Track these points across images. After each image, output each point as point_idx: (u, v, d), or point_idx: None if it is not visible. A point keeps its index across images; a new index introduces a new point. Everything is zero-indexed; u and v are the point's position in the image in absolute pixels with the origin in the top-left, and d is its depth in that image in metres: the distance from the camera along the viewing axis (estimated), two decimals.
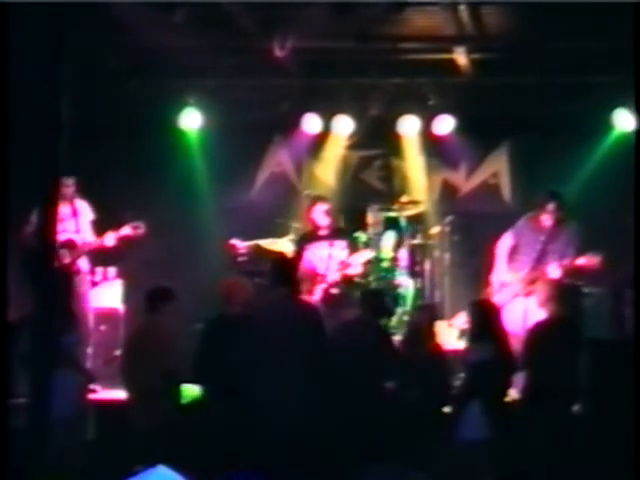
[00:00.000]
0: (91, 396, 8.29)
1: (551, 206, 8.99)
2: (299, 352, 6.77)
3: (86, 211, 9.62)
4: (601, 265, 8.68)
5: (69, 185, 9.24)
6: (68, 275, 9.18)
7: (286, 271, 7.24)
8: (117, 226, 9.44)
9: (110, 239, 9.38)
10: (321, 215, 9.54)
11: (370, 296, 8.24)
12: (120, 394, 8.12)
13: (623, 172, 8.41)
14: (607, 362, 7.76)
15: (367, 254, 9.67)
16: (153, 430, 7.08)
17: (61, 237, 8.64)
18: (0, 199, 5.92)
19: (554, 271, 8.74)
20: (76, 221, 9.47)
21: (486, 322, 7.49)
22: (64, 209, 9.12)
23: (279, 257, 7.87)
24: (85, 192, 9.64)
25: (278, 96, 11.11)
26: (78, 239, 9.44)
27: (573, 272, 8.79)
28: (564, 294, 7.85)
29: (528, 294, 8.85)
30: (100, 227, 9.63)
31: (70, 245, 9.31)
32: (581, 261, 8.73)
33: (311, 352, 6.78)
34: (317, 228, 9.57)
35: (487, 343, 7.32)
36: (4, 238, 6.08)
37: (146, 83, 10.77)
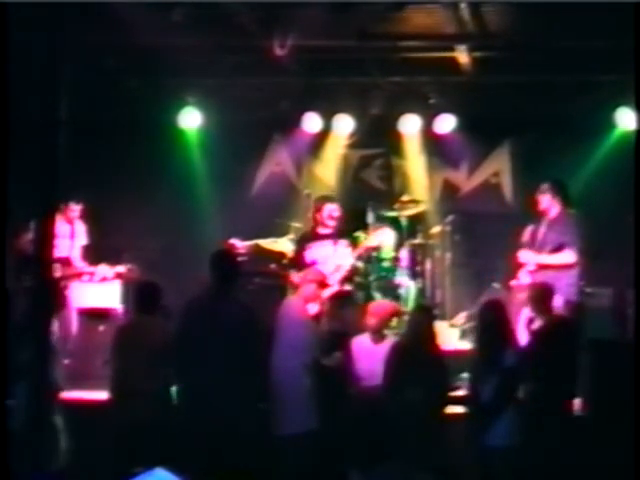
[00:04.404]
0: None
1: (544, 186, 8.89)
2: (228, 351, 6.70)
3: (82, 235, 9.71)
4: (574, 265, 8.56)
5: (74, 209, 9.48)
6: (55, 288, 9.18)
7: (224, 267, 7.10)
8: (113, 260, 9.54)
9: (103, 272, 9.49)
10: (328, 217, 9.34)
11: None
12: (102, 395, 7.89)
13: (625, 170, 8.37)
14: (609, 362, 7.76)
15: (383, 234, 9.62)
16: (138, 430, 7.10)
17: (56, 253, 8.63)
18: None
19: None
20: (72, 242, 9.58)
21: (507, 323, 7.25)
22: (63, 227, 9.28)
23: (218, 252, 7.52)
24: (86, 217, 9.73)
25: (278, 95, 11.10)
26: (72, 259, 9.54)
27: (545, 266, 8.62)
28: (541, 294, 7.77)
29: None
30: (95, 254, 9.75)
31: (64, 262, 9.33)
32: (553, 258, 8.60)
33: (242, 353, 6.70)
34: (321, 227, 9.39)
35: (511, 346, 7.14)
36: (3, 239, 6.06)
37: (146, 82, 10.75)
